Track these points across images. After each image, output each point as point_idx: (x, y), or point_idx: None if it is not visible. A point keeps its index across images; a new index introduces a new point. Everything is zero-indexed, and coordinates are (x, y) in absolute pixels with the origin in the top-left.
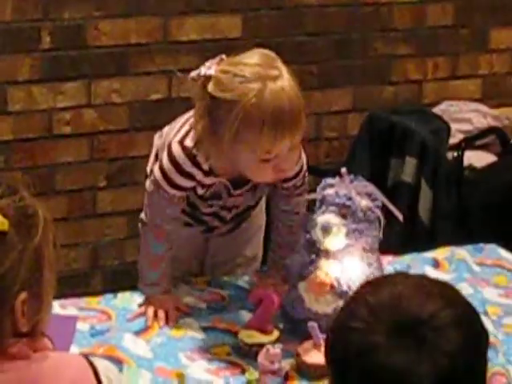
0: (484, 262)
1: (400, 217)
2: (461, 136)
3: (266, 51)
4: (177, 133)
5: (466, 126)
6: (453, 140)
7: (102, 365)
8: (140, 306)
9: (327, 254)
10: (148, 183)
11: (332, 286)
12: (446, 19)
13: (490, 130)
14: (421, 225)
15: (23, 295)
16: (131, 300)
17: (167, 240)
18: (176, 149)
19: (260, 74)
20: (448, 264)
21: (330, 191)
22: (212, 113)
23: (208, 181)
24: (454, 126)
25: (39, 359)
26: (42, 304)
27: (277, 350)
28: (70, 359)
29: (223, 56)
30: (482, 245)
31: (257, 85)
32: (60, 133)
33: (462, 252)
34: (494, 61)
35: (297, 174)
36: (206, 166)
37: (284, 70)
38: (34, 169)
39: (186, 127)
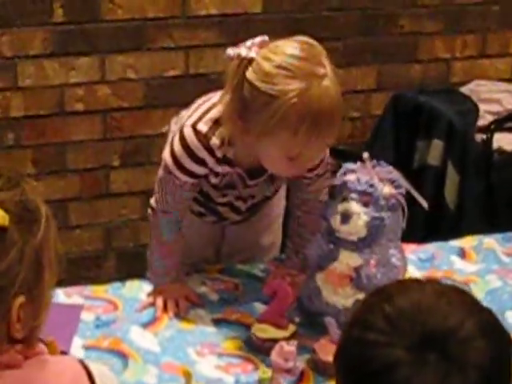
0: None
1: (425, 205)
2: (490, 117)
3: (311, 41)
4: (190, 116)
5: (496, 107)
6: (481, 121)
7: (98, 370)
8: (149, 295)
9: (347, 243)
10: (160, 169)
11: (351, 278)
12: None
13: None
14: (446, 210)
15: (21, 299)
16: (140, 289)
17: (178, 227)
18: (188, 133)
19: (305, 70)
20: (475, 254)
21: (351, 177)
22: (246, 100)
23: (220, 169)
24: (482, 107)
25: (32, 367)
26: (39, 310)
27: (291, 347)
28: (64, 367)
29: (266, 38)
30: (510, 233)
31: (301, 83)
32: (72, 110)
33: (490, 241)
34: None
35: (320, 163)
36: (219, 153)
37: (328, 66)
38: (45, 147)
39: (201, 110)
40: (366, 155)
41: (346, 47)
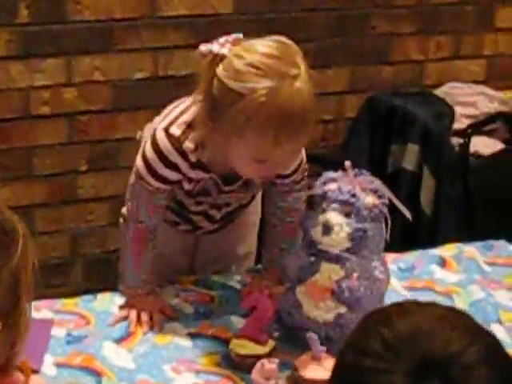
0: (495, 261)
1: (408, 215)
2: (465, 121)
3: (287, 41)
4: (163, 120)
5: (471, 111)
6: (457, 125)
7: None
8: (121, 308)
9: (328, 255)
10: (131, 176)
11: (333, 291)
12: None
13: (498, 115)
14: (422, 215)
15: None
16: (112, 302)
17: (150, 237)
18: (161, 136)
19: (277, 69)
20: (456, 263)
21: (331, 186)
22: (215, 98)
23: (194, 174)
24: (458, 110)
25: None
26: (17, 336)
27: (273, 365)
28: None
29: (241, 35)
30: (491, 242)
31: (271, 82)
32: (38, 113)
33: (471, 249)
34: (500, 40)
35: (296, 169)
36: (193, 157)
37: (303, 67)
38: (10, 151)
39: (174, 114)
40: (348, 164)
41: (318, 48)
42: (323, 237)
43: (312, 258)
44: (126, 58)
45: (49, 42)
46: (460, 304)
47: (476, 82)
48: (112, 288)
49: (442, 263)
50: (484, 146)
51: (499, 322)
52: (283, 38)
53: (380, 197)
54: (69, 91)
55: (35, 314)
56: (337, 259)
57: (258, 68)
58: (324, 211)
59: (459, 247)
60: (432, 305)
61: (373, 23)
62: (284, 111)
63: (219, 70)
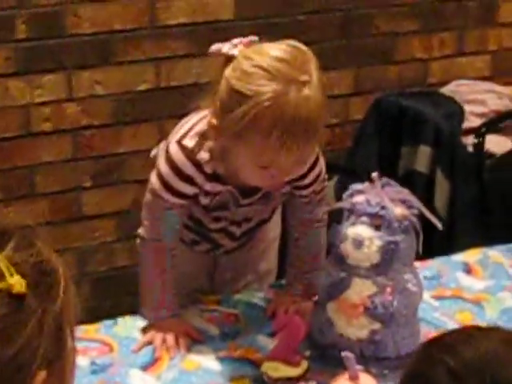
0: None
1: (439, 225)
2: (475, 119)
3: (301, 46)
4: (176, 133)
5: (480, 109)
6: (466, 124)
7: None
8: (144, 332)
9: (359, 270)
10: (146, 194)
11: (366, 307)
12: None
13: (510, 113)
14: (437, 218)
15: (42, 374)
16: (134, 326)
17: (170, 255)
18: (174, 150)
19: (286, 74)
20: (482, 269)
21: (359, 199)
22: (222, 98)
23: (210, 187)
24: (467, 109)
25: None
26: (63, 382)
27: None
28: None
29: (256, 38)
30: None
31: (278, 86)
32: (40, 130)
33: (495, 254)
34: (504, 35)
35: (315, 180)
36: (208, 169)
37: (315, 74)
38: (12, 171)
39: (186, 126)
40: (374, 174)
41: (322, 51)
42: (353, 251)
43: (342, 274)
44: (127, 70)
45: (48, 58)
46: (490, 312)
47: (481, 79)
48: (120, 304)
49: (468, 269)
50: (495, 144)
51: None
52: (298, 44)
53: (409, 207)
54: (70, 106)
55: None
56: (368, 274)
57: (266, 70)
58: (353, 225)
59: (483, 252)
60: (494, 329)
61: (376, 23)
62: (289, 117)
63: (228, 70)
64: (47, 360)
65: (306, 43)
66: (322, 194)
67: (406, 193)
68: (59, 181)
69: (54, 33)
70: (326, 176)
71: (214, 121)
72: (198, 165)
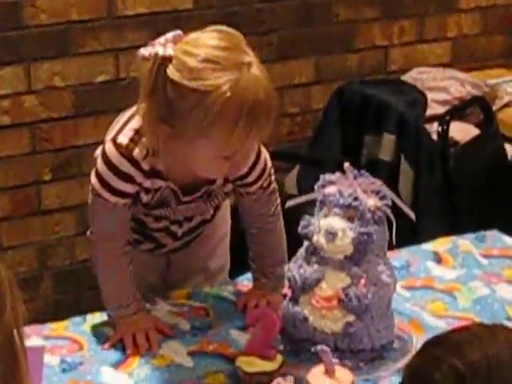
0: (490, 252)
1: (412, 216)
2: (437, 107)
3: (228, 29)
4: (111, 130)
5: (443, 96)
6: (429, 111)
7: None
8: (114, 329)
9: (332, 262)
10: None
11: (340, 300)
12: None
13: (473, 100)
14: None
15: None
16: (103, 323)
17: (123, 253)
18: (109, 148)
19: (232, 60)
20: (452, 258)
21: (331, 190)
22: (171, 102)
23: (150, 184)
24: (429, 96)
25: None
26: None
27: (288, 383)
28: None
29: (180, 32)
30: (482, 232)
31: (231, 74)
32: None
33: (465, 243)
34: (464, 22)
35: (261, 174)
36: (145, 165)
37: (251, 52)
38: None
39: (120, 123)
40: (346, 165)
41: (282, 40)
42: (326, 243)
43: (315, 266)
44: (86, 61)
45: (5, 49)
46: (463, 301)
47: (442, 65)
48: (82, 298)
49: (438, 259)
50: (459, 131)
51: (508, 318)
52: (223, 27)
53: (382, 198)
54: (29, 99)
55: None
56: (342, 266)
57: (213, 62)
58: (325, 216)
59: (453, 241)
60: (499, 328)
61: (335, 10)
62: (250, 101)
63: (171, 71)
64: (1, 381)
65: (266, 32)
66: (270, 188)
67: (378, 184)
68: (19, 175)
69: (10, 24)
70: (272, 171)
71: (162, 126)
72: (134, 162)
